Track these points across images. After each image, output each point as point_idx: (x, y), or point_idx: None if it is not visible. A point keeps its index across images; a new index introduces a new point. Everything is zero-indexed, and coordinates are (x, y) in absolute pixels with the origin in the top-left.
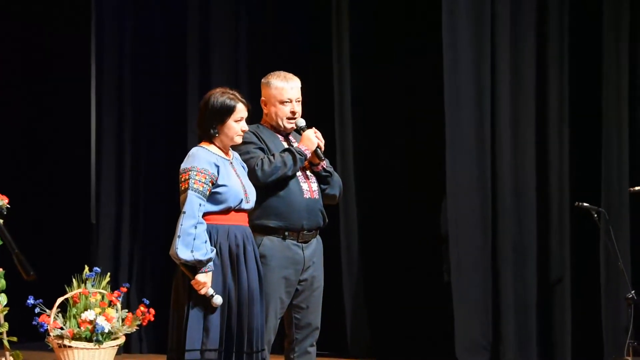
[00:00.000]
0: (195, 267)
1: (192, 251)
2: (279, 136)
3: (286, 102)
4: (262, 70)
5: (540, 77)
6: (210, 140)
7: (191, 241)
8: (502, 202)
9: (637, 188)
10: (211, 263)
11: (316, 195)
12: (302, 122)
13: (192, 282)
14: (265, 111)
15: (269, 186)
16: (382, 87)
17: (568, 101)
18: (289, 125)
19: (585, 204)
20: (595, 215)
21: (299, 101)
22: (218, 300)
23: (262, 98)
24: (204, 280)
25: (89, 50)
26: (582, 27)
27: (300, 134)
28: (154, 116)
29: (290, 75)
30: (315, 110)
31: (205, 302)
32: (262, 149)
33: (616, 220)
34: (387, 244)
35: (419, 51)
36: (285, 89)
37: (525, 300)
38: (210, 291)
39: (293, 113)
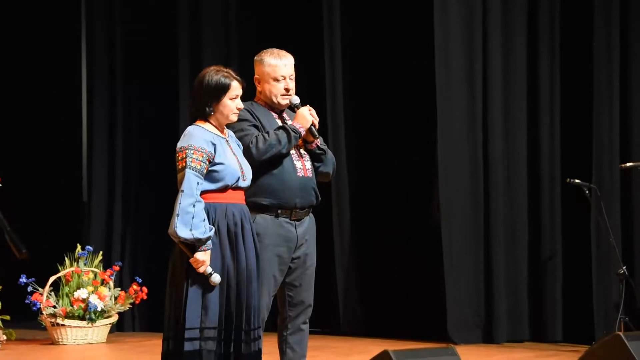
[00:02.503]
0: (194, 245)
1: (191, 230)
2: (273, 114)
3: (280, 79)
4: (253, 48)
5: (532, 55)
6: (206, 119)
7: (190, 220)
8: (493, 180)
9: (628, 164)
10: (210, 241)
11: (309, 173)
12: (296, 100)
13: (191, 260)
14: (258, 89)
15: (263, 164)
16: (373, 65)
17: (559, 78)
18: (284, 101)
19: (576, 181)
20: (587, 192)
21: (292, 78)
22: (216, 278)
23: (256, 76)
24: (203, 259)
25: (80, 24)
26: (574, 6)
27: (295, 112)
28: (145, 94)
29: (284, 52)
30: (306, 88)
31: (203, 281)
32: (256, 127)
33: (607, 196)
34: (379, 223)
35: (411, 32)
36: (278, 66)
37: (516, 277)
38: (209, 269)
39: (287, 90)
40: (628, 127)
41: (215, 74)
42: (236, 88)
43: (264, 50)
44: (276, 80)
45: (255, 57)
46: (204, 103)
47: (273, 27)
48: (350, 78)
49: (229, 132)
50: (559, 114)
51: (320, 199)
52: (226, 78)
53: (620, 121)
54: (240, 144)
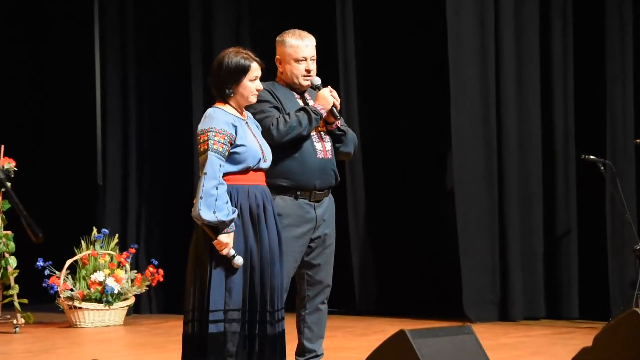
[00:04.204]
0: (218, 227)
1: (214, 212)
2: (295, 94)
3: (301, 60)
4: (265, 30)
5: (544, 31)
6: (225, 101)
7: (213, 202)
8: (507, 157)
9: None
10: (233, 223)
11: (329, 154)
12: (317, 81)
13: (214, 242)
14: (280, 69)
15: (283, 146)
16: (386, 43)
17: (572, 53)
18: (305, 83)
19: (591, 157)
20: (602, 168)
21: (313, 59)
22: (239, 260)
23: (277, 56)
24: (226, 241)
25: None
26: None
27: (316, 92)
28: (158, 76)
29: (305, 33)
30: (318, 67)
31: (226, 263)
32: (277, 108)
33: (622, 172)
34: (394, 201)
35: (423, 6)
36: (300, 47)
37: (532, 254)
38: (232, 252)
39: (308, 71)
40: None
41: (234, 55)
42: (256, 69)
43: (286, 31)
44: (297, 61)
45: (277, 38)
46: (224, 85)
47: (286, 14)
48: (362, 56)
49: (247, 114)
50: (572, 90)
51: (339, 179)
52: (246, 60)
53: (634, 96)
54: (258, 125)
